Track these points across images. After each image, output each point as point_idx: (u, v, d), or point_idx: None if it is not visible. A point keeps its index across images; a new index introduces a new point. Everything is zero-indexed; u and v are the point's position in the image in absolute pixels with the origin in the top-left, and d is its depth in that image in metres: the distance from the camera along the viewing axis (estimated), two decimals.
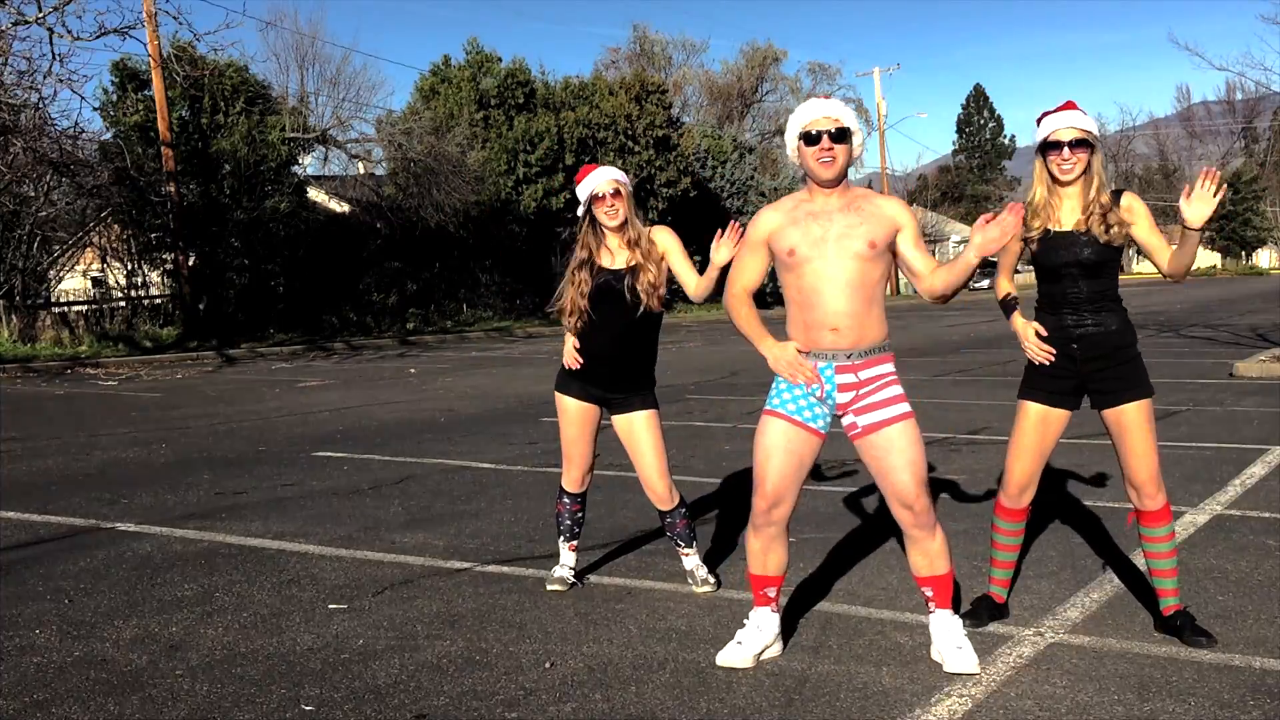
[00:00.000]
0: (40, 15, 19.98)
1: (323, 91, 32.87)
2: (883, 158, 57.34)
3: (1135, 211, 4.09)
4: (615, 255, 4.75)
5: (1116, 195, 4.10)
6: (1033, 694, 3.58)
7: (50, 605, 4.87)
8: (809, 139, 3.80)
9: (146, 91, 27.12)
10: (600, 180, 4.70)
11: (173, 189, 25.56)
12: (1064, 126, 4.04)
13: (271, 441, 9.82)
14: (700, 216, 40.44)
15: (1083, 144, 4.03)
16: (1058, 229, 4.10)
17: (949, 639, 3.83)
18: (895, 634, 4.20)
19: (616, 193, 4.68)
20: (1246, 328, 20.77)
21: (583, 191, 4.74)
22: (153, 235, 27.12)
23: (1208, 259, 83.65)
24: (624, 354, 4.79)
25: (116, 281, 28.20)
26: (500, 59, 37.97)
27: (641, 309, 4.72)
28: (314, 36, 33.78)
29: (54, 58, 20.38)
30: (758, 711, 3.51)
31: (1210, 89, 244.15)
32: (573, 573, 4.97)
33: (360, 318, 30.26)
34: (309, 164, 33.23)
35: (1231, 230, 78.65)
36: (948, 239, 76.43)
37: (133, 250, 27.69)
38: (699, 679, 3.80)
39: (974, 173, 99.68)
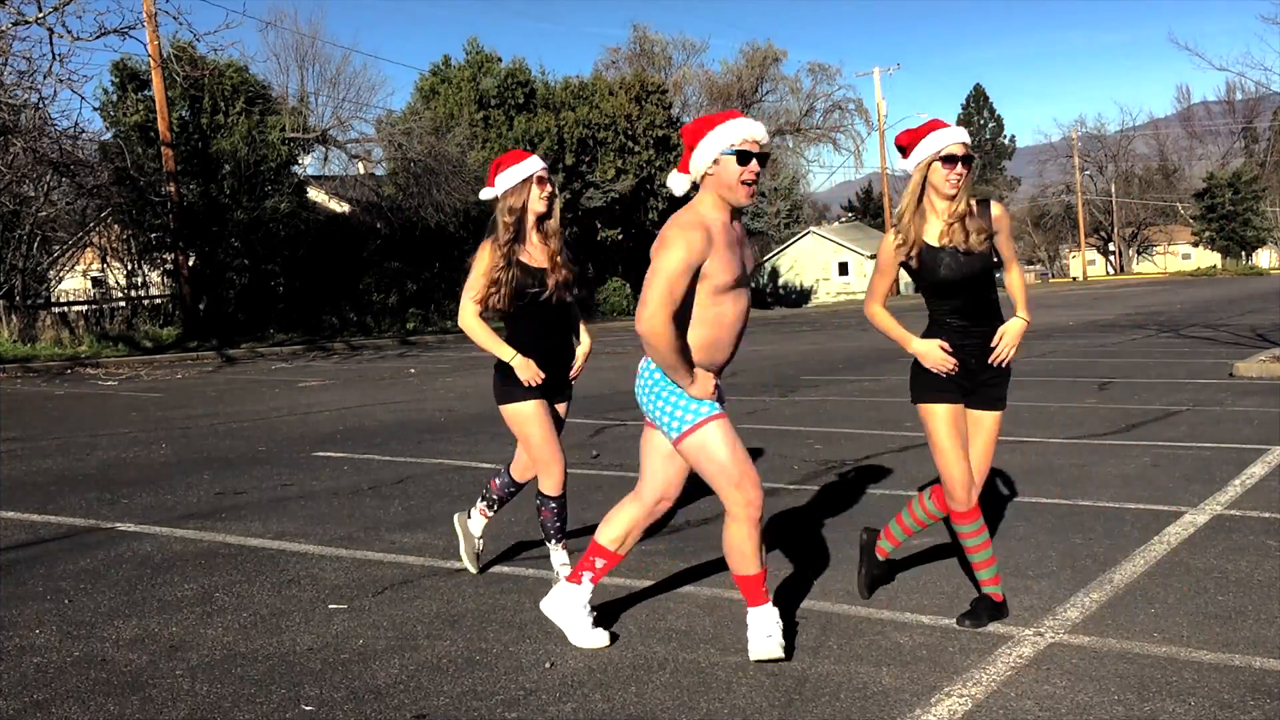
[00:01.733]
0: (40, 15, 19.99)
1: (323, 91, 32.91)
2: (883, 158, 57.33)
3: (1001, 221, 4.24)
4: (535, 251, 4.78)
5: (984, 204, 4.22)
6: (1033, 694, 3.58)
7: (50, 605, 4.87)
8: (743, 157, 3.77)
9: (146, 91, 27.15)
10: (537, 165, 4.79)
11: (173, 189, 25.58)
12: (956, 141, 4.13)
13: (272, 442, 9.82)
14: None
15: (969, 159, 4.14)
16: (937, 244, 4.18)
17: (760, 629, 3.90)
18: (895, 634, 4.21)
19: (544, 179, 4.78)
20: (1246, 327, 20.77)
21: (515, 177, 4.74)
22: (153, 235, 27.14)
23: (1208, 259, 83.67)
24: (558, 343, 4.87)
25: (116, 281, 28.21)
26: (500, 59, 37.99)
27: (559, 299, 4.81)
28: (314, 37, 33.83)
29: (54, 58, 20.40)
30: (758, 711, 3.51)
31: (1210, 89, 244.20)
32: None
33: (360, 318, 30.28)
34: (309, 164, 33.28)
35: (1231, 230, 78.66)
36: None
37: (133, 250, 27.71)
38: (699, 679, 3.80)
39: (973, 172, 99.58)
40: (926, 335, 4.32)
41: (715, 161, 3.79)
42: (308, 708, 3.64)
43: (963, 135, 4.17)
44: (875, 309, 4.42)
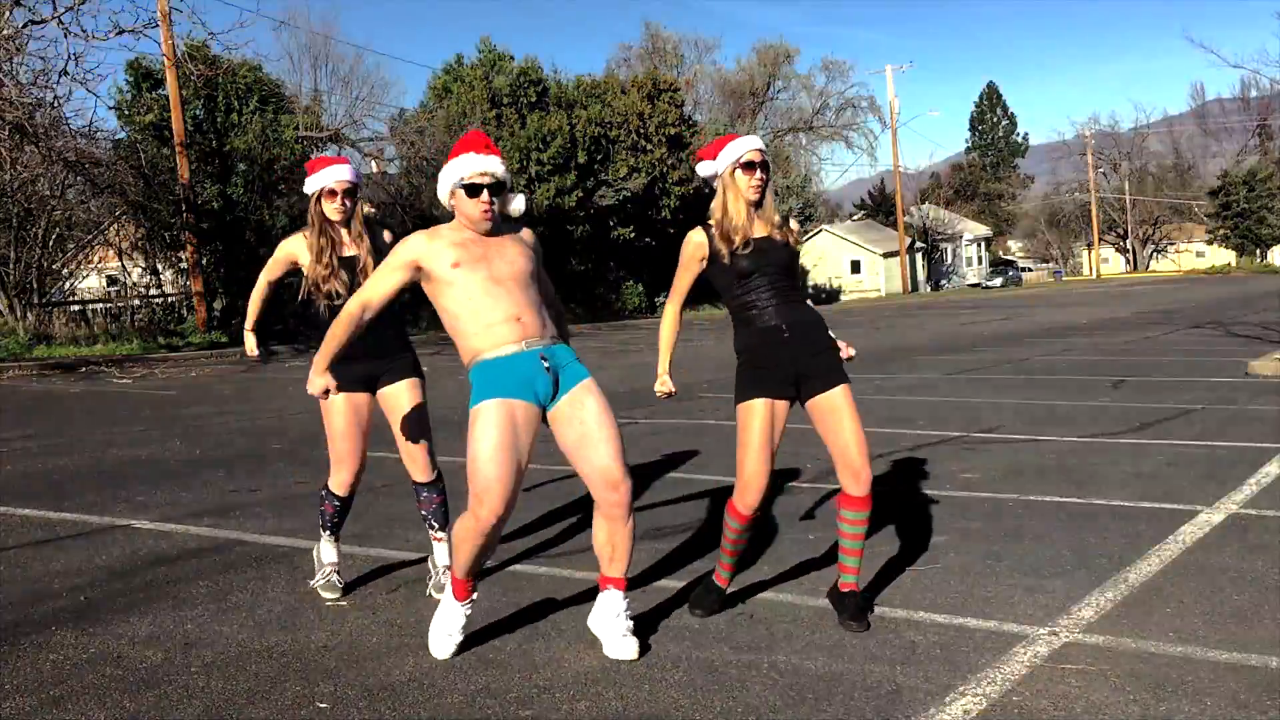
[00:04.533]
0: (55, 14, 20.08)
1: (336, 90, 33.04)
2: (895, 156, 57.22)
3: (796, 232, 4.41)
4: (346, 244, 4.88)
5: (784, 217, 4.42)
6: (1048, 693, 3.57)
7: (66, 602, 4.90)
8: (471, 190, 4.08)
9: (161, 90, 27.26)
10: (341, 173, 4.86)
11: (187, 187, 25.65)
12: (752, 149, 4.32)
13: (285, 439, 9.85)
14: None
15: (766, 165, 4.34)
16: (757, 236, 4.32)
17: (618, 626, 4.00)
18: (909, 633, 4.20)
19: (349, 191, 4.83)
20: (1261, 325, 20.67)
21: (320, 181, 4.82)
22: (167, 234, 27.23)
23: (1222, 257, 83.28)
24: (377, 337, 4.75)
25: (131, 280, 28.33)
26: (513, 58, 38.05)
27: None
28: (327, 36, 33.95)
29: (69, 57, 20.50)
30: (772, 710, 3.51)
31: (1225, 86, 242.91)
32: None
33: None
34: None
35: (1246, 228, 78.26)
36: (960, 238, 76.25)
37: (148, 248, 27.82)
38: (713, 677, 3.80)
39: (987, 170, 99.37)
40: (741, 334, 4.50)
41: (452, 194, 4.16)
42: (322, 705, 3.65)
43: (756, 143, 4.35)
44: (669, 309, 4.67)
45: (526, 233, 4.29)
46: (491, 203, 4.07)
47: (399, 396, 4.85)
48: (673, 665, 3.93)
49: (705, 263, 4.39)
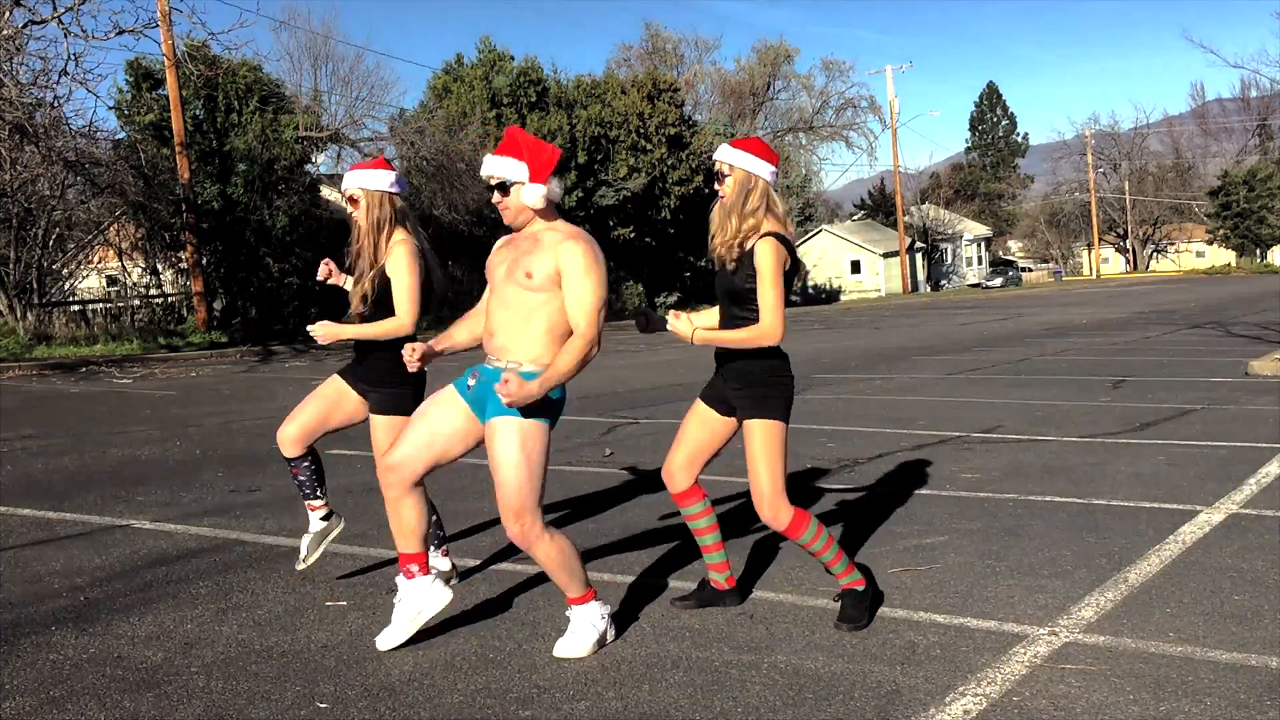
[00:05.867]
0: (55, 14, 20.08)
1: (336, 90, 33.02)
2: (895, 156, 57.23)
3: (753, 258, 4.18)
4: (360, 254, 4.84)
5: (763, 237, 4.21)
6: (1047, 693, 3.57)
7: (66, 602, 4.90)
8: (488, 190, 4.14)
9: (161, 90, 27.24)
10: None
11: (187, 187, 25.64)
12: (718, 154, 4.31)
13: None
14: None
15: (720, 176, 4.27)
16: (726, 256, 4.31)
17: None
18: (909, 633, 4.20)
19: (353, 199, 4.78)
20: (1261, 325, 20.67)
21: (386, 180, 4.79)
22: (167, 234, 27.23)
23: (1222, 257, 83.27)
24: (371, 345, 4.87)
25: (131, 280, 28.33)
26: (513, 57, 38.03)
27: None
28: (327, 36, 33.93)
29: (69, 57, 20.50)
30: (771, 710, 3.51)
31: (1225, 86, 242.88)
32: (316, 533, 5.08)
33: None
34: (322, 163, 33.36)
35: (1246, 228, 78.24)
36: (960, 237, 76.23)
37: (148, 248, 27.81)
38: (713, 677, 3.80)
39: (987, 170, 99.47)
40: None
41: None
42: (322, 705, 3.65)
43: (723, 153, 4.29)
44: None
45: (558, 237, 4.03)
46: (500, 201, 4.10)
47: (371, 425, 4.95)
48: (673, 665, 3.93)
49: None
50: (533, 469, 3.99)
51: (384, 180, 4.75)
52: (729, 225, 4.26)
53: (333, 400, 4.96)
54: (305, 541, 5.09)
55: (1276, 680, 3.63)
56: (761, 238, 4.18)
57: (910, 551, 5.37)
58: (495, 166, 4.09)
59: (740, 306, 4.28)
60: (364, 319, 4.79)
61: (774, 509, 4.21)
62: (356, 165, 4.89)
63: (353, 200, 4.76)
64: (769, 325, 4.15)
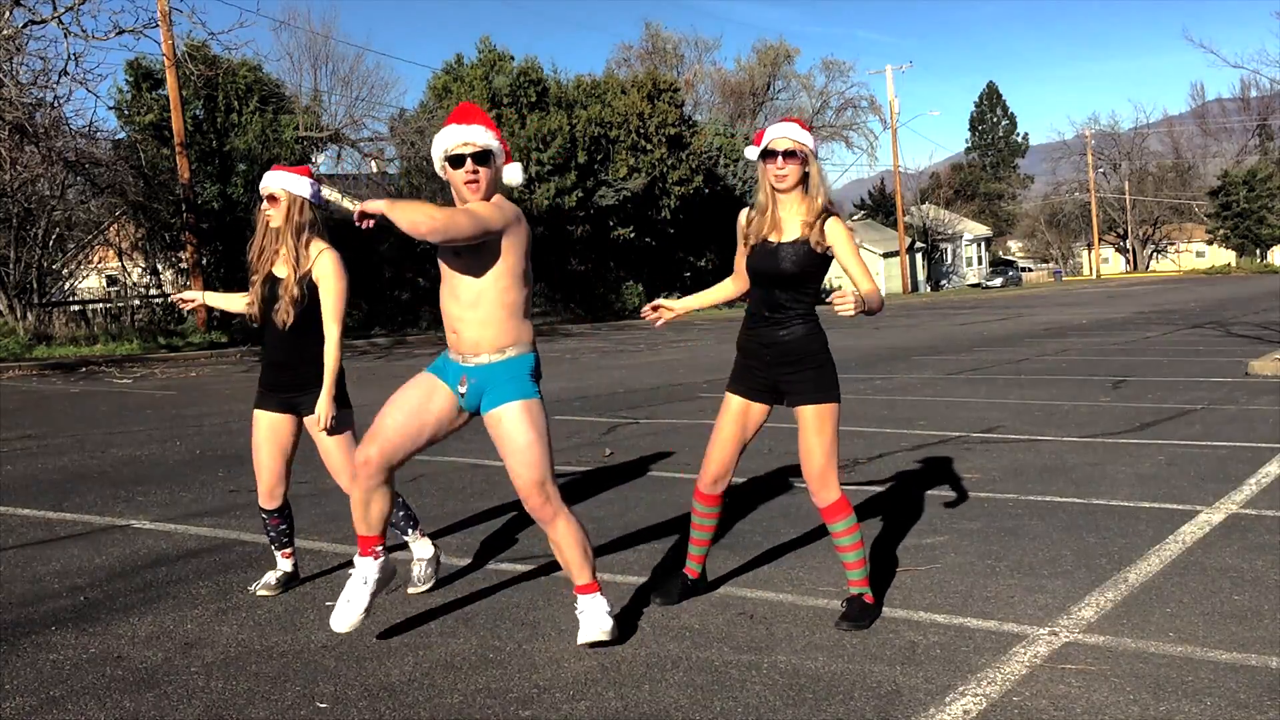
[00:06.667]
0: (55, 14, 20.09)
1: (336, 90, 33.02)
2: (895, 156, 57.23)
3: (829, 235, 4.22)
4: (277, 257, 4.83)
5: (827, 215, 4.23)
6: (1047, 693, 3.57)
7: (66, 602, 4.90)
8: (455, 161, 3.92)
9: (161, 90, 27.26)
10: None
11: (187, 187, 25.65)
12: (779, 137, 4.23)
13: None
14: (712, 215, 40.44)
15: (793, 155, 4.21)
16: (772, 239, 4.27)
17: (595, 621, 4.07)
18: (909, 633, 4.20)
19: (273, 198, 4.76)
20: (1261, 325, 20.67)
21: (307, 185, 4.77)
22: (167, 234, 27.25)
23: (1222, 257, 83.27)
24: (285, 356, 4.86)
25: (131, 280, 28.33)
26: (513, 57, 38.03)
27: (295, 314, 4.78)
28: (327, 36, 33.94)
29: (69, 57, 20.51)
30: (771, 710, 3.51)
31: (1225, 86, 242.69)
32: (284, 575, 5.04)
33: (372, 316, 30.34)
34: (322, 163, 33.36)
35: (1246, 228, 78.24)
36: (960, 238, 76.22)
37: (148, 248, 27.82)
38: (713, 677, 3.80)
39: (987, 170, 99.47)
40: (746, 320, 4.45)
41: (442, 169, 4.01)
42: (322, 705, 3.65)
43: (784, 130, 4.24)
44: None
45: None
46: (476, 172, 3.90)
47: (311, 427, 4.93)
48: (673, 665, 3.93)
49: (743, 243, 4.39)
50: (545, 440, 4.07)
51: (306, 187, 4.76)
52: (813, 205, 4.24)
53: (270, 439, 4.92)
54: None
55: (1276, 680, 3.63)
56: (832, 216, 4.24)
57: (910, 551, 5.37)
58: (479, 135, 3.91)
59: (793, 289, 4.24)
60: (286, 326, 4.75)
61: (826, 483, 4.25)
62: (279, 167, 4.88)
63: (272, 199, 4.73)
64: (875, 287, 4.20)
